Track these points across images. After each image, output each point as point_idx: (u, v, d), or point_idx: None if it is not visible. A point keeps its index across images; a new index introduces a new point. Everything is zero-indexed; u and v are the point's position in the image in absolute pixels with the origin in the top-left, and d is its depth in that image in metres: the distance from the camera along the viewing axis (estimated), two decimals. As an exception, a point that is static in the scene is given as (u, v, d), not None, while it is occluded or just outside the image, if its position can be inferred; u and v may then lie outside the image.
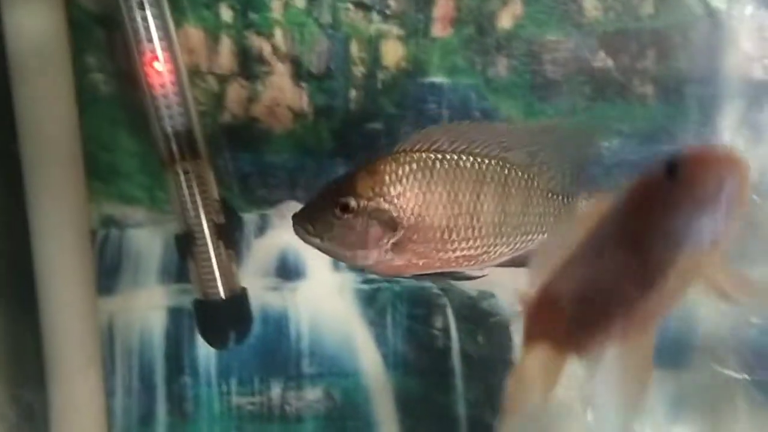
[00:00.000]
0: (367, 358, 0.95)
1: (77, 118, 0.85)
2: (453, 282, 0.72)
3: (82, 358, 0.88)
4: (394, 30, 0.87)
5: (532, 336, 0.56)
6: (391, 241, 0.63)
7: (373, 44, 0.87)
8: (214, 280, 0.81)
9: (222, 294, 0.82)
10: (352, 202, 0.62)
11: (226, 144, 0.88)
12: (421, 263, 0.64)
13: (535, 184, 0.67)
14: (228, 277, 0.82)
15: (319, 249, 0.64)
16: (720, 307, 0.92)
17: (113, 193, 0.89)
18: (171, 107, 0.79)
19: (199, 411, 0.94)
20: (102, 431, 0.90)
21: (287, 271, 0.93)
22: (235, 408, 0.95)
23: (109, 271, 0.91)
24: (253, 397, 0.95)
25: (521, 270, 0.90)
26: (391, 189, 0.62)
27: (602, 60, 0.88)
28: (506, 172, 0.66)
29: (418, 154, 0.64)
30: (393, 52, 0.88)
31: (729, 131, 0.89)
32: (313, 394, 0.95)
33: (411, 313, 0.95)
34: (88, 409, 0.89)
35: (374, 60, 0.88)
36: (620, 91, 0.89)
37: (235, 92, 0.89)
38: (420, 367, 0.96)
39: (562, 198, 0.69)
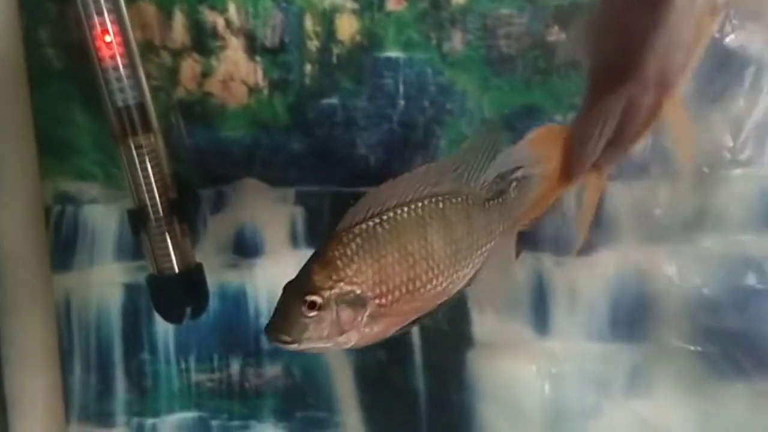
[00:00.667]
0: (327, 333, 0.96)
1: (29, 93, 0.84)
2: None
3: (39, 335, 0.87)
4: (348, 4, 0.87)
5: None
6: (365, 317, 0.65)
7: (327, 18, 0.87)
8: (168, 255, 0.81)
9: (176, 269, 0.81)
10: (318, 298, 0.64)
11: (180, 119, 0.88)
12: (399, 319, 0.67)
13: (470, 202, 0.71)
14: (182, 252, 0.82)
15: (303, 351, 0.66)
16: (674, 281, 0.93)
17: (67, 170, 0.89)
18: (122, 80, 0.78)
19: (158, 387, 0.94)
20: (60, 409, 0.90)
21: (245, 247, 0.93)
22: (194, 384, 0.95)
23: (64, 247, 0.90)
24: (213, 373, 0.95)
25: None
26: (348, 270, 0.65)
27: (556, 34, 0.88)
28: (441, 205, 0.69)
29: (359, 226, 0.66)
30: (348, 26, 0.87)
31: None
32: (272, 370, 0.95)
33: (370, 289, 0.96)
34: (46, 387, 0.89)
35: (329, 34, 0.88)
36: (574, 65, 0.90)
37: (189, 67, 0.88)
38: (379, 343, 0.96)
39: (498, 199, 0.73)
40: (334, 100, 0.90)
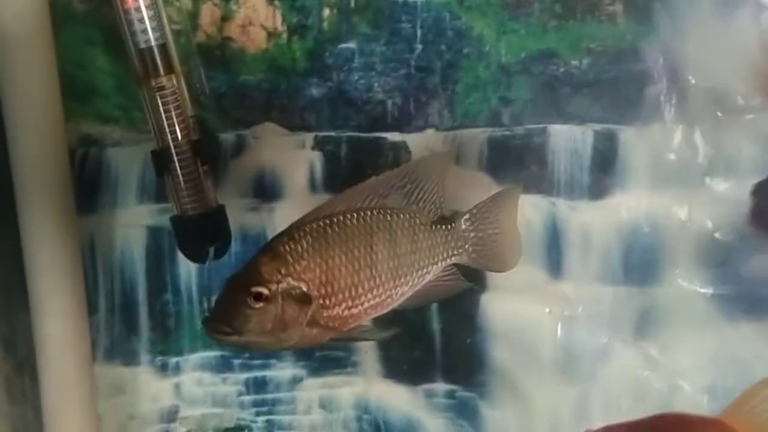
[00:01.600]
0: (344, 276, 0.98)
1: (52, 37, 0.85)
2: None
3: (64, 277, 0.89)
4: (367, -53, 0.88)
5: None
6: (308, 315, 0.66)
7: (345, -39, 0.88)
8: (191, 195, 0.82)
9: (199, 209, 0.83)
10: (265, 290, 0.64)
11: (200, 64, 0.89)
12: (336, 325, 0.68)
13: (418, 221, 0.72)
14: (204, 192, 0.83)
15: (241, 346, 0.67)
16: (686, 225, 0.94)
17: (90, 113, 0.90)
18: (144, 21, 0.79)
19: (181, 327, 0.97)
20: (86, 349, 0.92)
21: (264, 191, 0.95)
22: (215, 325, 0.97)
23: (88, 190, 0.92)
24: (233, 314, 0.97)
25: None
26: (297, 266, 0.65)
27: (573, -22, 0.89)
28: (389, 217, 0.70)
29: (310, 225, 0.68)
30: (365, -30, 0.88)
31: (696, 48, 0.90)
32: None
33: (387, 233, 0.98)
34: (72, 328, 0.91)
35: (347, -22, 0.88)
36: (590, 10, 0.91)
37: (209, 11, 0.89)
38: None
39: (445, 225, 0.75)
40: (351, 45, 0.91)
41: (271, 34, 0.90)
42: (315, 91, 0.92)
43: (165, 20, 0.80)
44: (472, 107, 0.93)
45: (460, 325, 0.98)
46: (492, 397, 0.99)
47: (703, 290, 0.95)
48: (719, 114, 0.91)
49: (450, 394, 0.99)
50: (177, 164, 0.82)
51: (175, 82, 0.81)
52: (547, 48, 0.91)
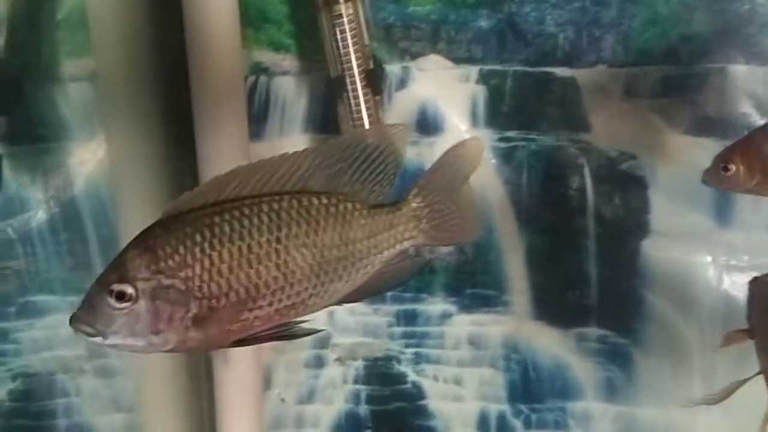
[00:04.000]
0: (501, 215, 0.97)
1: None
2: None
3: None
4: None
5: None
6: (189, 315, 0.56)
7: None
8: (362, 125, 0.83)
9: (369, 139, 0.83)
10: (128, 289, 0.55)
11: (370, -7, 0.88)
12: (236, 327, 0.57)
13: (350, 206, 0.59)
14: (375, 123, 0.83)
15: (108, 347, 0.57)
16: None
17: (263, 40, 0.91)
18: (324, -51, 0.79)
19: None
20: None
21: (426, 125, 0.94)
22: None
23: (257, 117, 0.93)
24: (389, 247, 0.98)
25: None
26: (169, 262, 0.55)
27: None
28: (307, 203, 0.58)
29: (191, 214, 0.56)
30: None
31: None
32: (446, 247, 0.97)
33: (547, 172, 0.95)
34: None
35: None
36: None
37: (381, -61, 0.88)
38: (553, 227, 0.97)
39: (388, 208, 0.60)
40: (523, -23, 0.88)
41: (443, -37, 0.88)
42: (484, 23, 0.90)
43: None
44: (648, 43, 0.89)
45: (618, 270, 0.96)
46: (646, 344, 0.97)
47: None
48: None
49: (602, 339, 0.98)
50: (350, 93, 0.82)
51: (353, 9, 0.81)
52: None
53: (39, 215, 0.95)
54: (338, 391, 1.02)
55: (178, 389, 0.94)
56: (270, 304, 0.57)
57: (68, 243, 0.96)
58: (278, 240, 0.57)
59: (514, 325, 0.99)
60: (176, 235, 0.55)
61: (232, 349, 0.81)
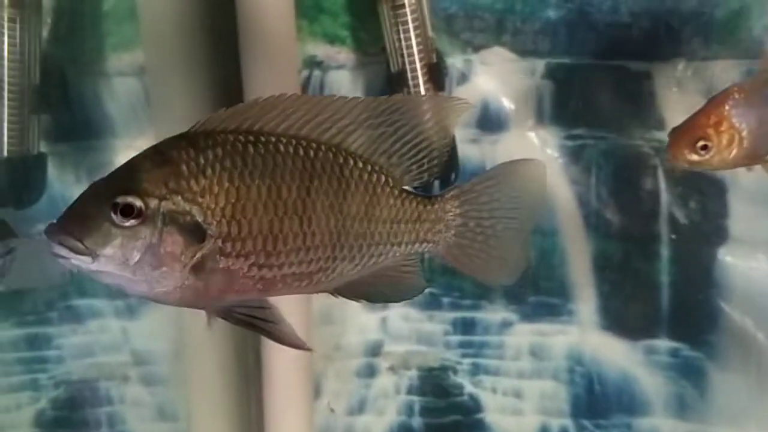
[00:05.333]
0: (567, 217, 0.91)
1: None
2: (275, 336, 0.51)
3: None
4: None
5: None
6: (196, 256, 0.47)
7: None
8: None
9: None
10: (138, 202, 0.45)
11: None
12: (235, 287, 0.48)
13: (383, 179, 0.51)
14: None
15: (90, 273, 0.46)
16: None
17: (317, 32, 0.86)
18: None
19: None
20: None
21: (488, 122, 0.89)
22: (426, 260, 0.93)
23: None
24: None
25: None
26: (192, 183, 0.46)
27: None
28: (342, 161, 0.50)
29: (224, 135, 0.47)
30: None
31: None
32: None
33: (617, 173, 0.89)
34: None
35: None
36: None
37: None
38: (623, 231, 0.91)
39: (422, 197, 0.52)
40: (599, -34, 0.82)
41: (510, -47, 0.82)
42: (552, 13, 0.84)
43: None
44: (731, 36, 0.83)
45: (693, 279, 0.90)
46: (722, 358, 0.90)
47: None
48: None
49: (674, 353, 0.92)
50: (411, 90, 0.77)
51: (416, 1, 0.75)
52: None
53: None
54: (390, 401, 0.97)
55: (226, 398, 0.90)
56: (280, 266, 0.49)
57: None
58: (308, 191, 0.49)
59: (579, 335, 0.93)
60: (205, 154, 0.47)
61: (280, 355, 0.76)
